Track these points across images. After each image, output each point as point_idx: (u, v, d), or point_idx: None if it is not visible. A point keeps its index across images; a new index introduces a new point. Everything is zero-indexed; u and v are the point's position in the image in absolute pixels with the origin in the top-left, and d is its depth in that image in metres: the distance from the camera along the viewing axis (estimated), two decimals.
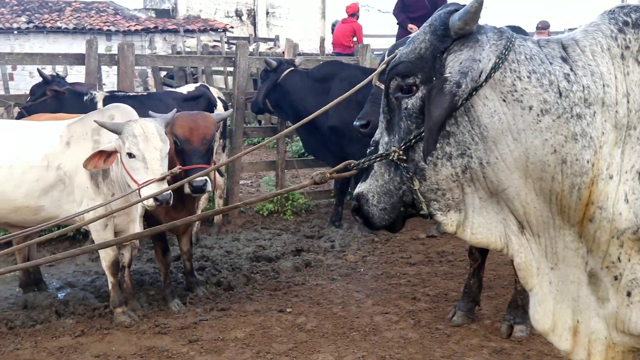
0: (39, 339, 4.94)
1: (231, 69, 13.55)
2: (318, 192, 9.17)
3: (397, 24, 10.02)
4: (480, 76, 2.38)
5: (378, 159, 2.61)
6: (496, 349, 4.72)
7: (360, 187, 2.67)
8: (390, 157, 2.55)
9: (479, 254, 5.08)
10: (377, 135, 2.70)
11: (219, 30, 21.01)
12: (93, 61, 7.12)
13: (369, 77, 4.20)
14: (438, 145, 2.45)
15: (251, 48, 17.03)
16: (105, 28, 19.53)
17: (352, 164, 2.66)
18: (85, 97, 6.69)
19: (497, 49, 2.41)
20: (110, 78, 16.85)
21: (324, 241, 7.48)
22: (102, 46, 19.21)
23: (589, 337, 2.64)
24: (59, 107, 6.57)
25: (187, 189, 4.90)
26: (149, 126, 4.65)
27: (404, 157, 2.51)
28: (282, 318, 5.29)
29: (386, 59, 4.26)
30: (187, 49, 17.41)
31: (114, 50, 15.87)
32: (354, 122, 4.13)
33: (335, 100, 4.07)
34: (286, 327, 5.11)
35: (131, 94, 6.87)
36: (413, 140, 2.50)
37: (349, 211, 8.56)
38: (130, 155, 4.59)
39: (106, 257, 5.17)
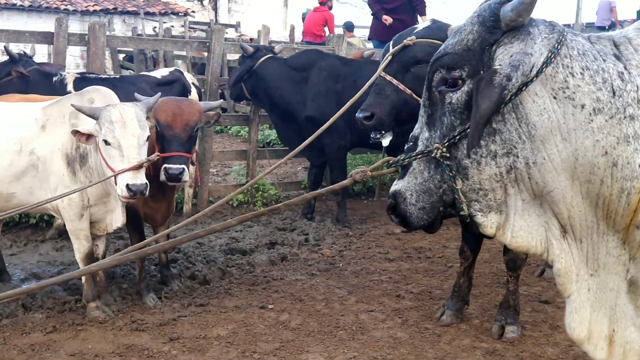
0: (7, 335, 4.63)
1: (197, 54, 13.36)
2: (288, 183, 8.98)
3: (372, 14, 9.86)
4: (531, 71, 2.22)
5: (419, 156, 2.42)
6: (489, 350, 4.60)
7: (398, 185, 2.49)
8: (433, 154, 2.38)
9: (471, 253, 4.96)
10: (416, 131, 2.52)
11: (179, 14, 20.54)
12: (62, 40, 6.77)
13: (379, 69, 4.05)
14: (483, 142, 2.29)
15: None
16: (62, 7, 18.90)
17: (391, 161, 2.48)
18: (54, 78, 6.37)
19: (549, 43, 2.25)
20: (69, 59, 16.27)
21: (297, 234, 7.29)
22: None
23: (624, 347, 2.52)
24: (25, 87, 6.24)
25: (162, 177, 4.67)
26: (128, 111, 4.39)
27: (447, 155, 2.34)
28: (265, 315, 5.08)
29: (391, 49, 4.12)
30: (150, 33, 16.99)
31: (71, 31, 15.38)
32: (357, 114, 3.94)
33: (351, 100, 3.92)
34: (270, 325, 4.91)
35: (103, 76, 6.56)
36: (457, 137, 2.33)
37: (321, 204, 8.48)
38: (106, 142, 4.33)
39: (80, 248, 4.88)
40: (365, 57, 8.27)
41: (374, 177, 2.57)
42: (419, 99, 4.01)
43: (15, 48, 6.78)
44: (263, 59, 7.33)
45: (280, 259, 6.42)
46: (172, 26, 15.98)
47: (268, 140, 10.73)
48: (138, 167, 4.21)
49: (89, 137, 4.42)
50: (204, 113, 4.93)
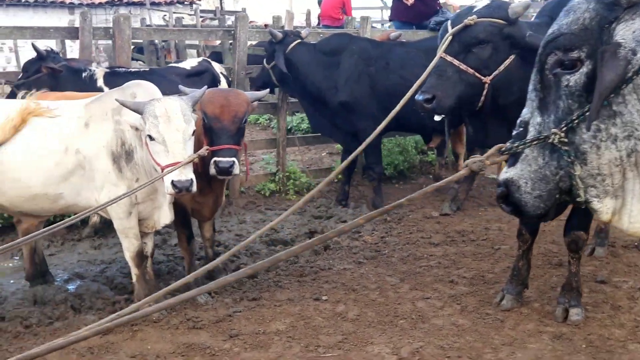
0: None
1: (207, 43, 13.21)
2: (319, 170, 8.84)
3: None
4: None
5: (535, 142, 2.29)
6: (556, 334, 4.48)
7: (509, 173, 2.37)
8: (550, 140, 2.25)
9: (529, 235, 4.83)
10: (525, 115, 2.39)
11: (185, 3, 20.32)
12: (87, 35, 6.61)
13: (440, 50, 3.91)
14: (603, 126, 2.16)
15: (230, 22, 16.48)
16: (67, 1, 18.68)
17: (504, 149, 2.35)
18: (83, 74, 6.24)
19: None
20: (74, 53, 16.13)
21: (334, 222, 7.17)
22: (65, 20, 18.42)
23: None
24: (55, 84, 6.10)
25: (212, 170, 4.54)
26: (173, 105, 4.27)
27: (565, 140, 2.21)
28: (320, 307, 4.97)
29: (450, 29, 3.97)
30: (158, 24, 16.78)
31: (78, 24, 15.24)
32: (417, 96, 3.80)
33: (415, 84, 3.79)
34: (328, 317, 4.80)
35: (132, 69, 6.42)
36: (575, 121, 2.19)
37: (355, 190, 8.36)
38: (151, 137, 4.22)
39: (130, 246, 4.77)
40: (391, 39, 8.11)
41: (492, 164, 2.42)
42: (483, 78, 3.90)
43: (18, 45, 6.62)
44: (293, 44, 7.18)
45: (324, 248, 6.31)
46: (183, 16, 15.76)
47: (289, 127, 10.59)
48: (186, 163, 4.10)
49: (137, 128, 4.35)
50: (250, 103, 4.80)
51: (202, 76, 6.68)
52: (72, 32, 6.75)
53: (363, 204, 7.75)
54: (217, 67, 7.04)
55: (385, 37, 8.14)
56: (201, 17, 15.71)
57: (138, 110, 4.26)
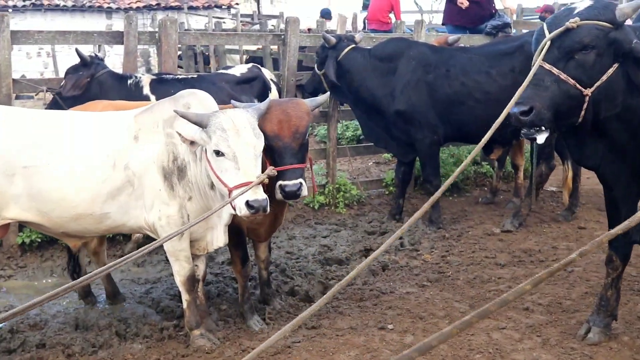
0: None
1: (249, 47, 12.87)
2: (369, 182, 8.42)
3: None
4: None
5: None
6: None
7: None
8: None
9: (620, 262, 4.35)
10: None
11: (223, 7, 19.99)
12: (132, 40, 6.27)
13: (538, 59, 3.46)
14: None
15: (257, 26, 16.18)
16: (105, 5, 18.50)
17: None
18: (129, 81, 5.89)
19: None
20: (111, 58, 15.89)
21: (389, 238, 6.72)
22: (102, 25, 18.21)
23: None
24: (99, 92, 5.78)
25: (278, 195, 4.09)
26: (241, 118, 3.87)
27: None
28: (387, 337, 4.54)
29: (548, 34, 3.53)
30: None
31: (115, 29, 14.99)
32: (513, 109, 3.36)
33: (516, 95, 3.36)
34: (396, 350, 4.36)
35: (180, 76, 6.07)
36: None
37: (409, 204, 7.92)
38: (218, 153, 3.80)
39: (180, 270, 4.38)
40: (449, 43, 7.68)
41: None
42: (583, 90, 3.44)
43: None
44: (347, 49, 6.78)
45: (382, 268, 5.90)
46: (224, 21, 15.44)
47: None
48: (257, 184, 3.69)
49: (192, 142, 3.93)
50: (311, 113, 4.36)
51: (252, 83, 6.32)
52: (116, 37, 6.41)
53: (418, 219, 7.30)
54: (267, 74, 6.66)
55: (442, 42, 7.71)
56: (241, 21, 15.37)
57: (201, 122, 3.86)
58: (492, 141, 7.12)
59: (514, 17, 9.52)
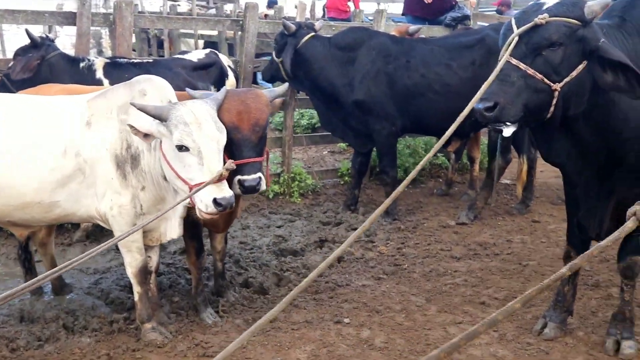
0: None
1: (204, 31, 12.64)
2: (324, 171, 8.34)
3: None
4: None
5: None
6: None
7: None
8: None
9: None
10: None
11: None
12: (86, 21, 6.04)
13: (505, 54, 3.40)
14: None
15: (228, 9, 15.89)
16: None
17: None
18: (81, 64, 5.69)
19: None
20: (61, 39, 15.42)
21: (345, 229, 6.66)
22: (53, 4, 17.62)
23: None
24: (49, 75, 5.56)
25: (237, 189, 3.92)
26: (202, 111, 3.71)
27: None
28: (343, 331, 4.48)
29: (515, 28, 3.47)
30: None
31: (67, 9, 14.53)
32: (477, 105, 3.29)
33: (480, 91, 3.28)
34: (353, 344, 4.31)
35: (135, 60, 5.87)
36: None
37: (364, 195, 7.86)
38: (181, 148, 3.63)
39: (132, 261, 4.23)
40: (410, 33, 7.62)
41: None
42: (552, 85, 3.40)
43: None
44: (306, 37, 6.65)
45: (337, 260, 5.81)
46: (179, 3, 15.12)
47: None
48: (218, 180, 3.55)
49: (146, 135, 3.75)
50: (270, 105, 4.22)
51: (209, 69, 6.16)
52: (69, 18, 6.16)
53: (373, 209, 7.25)
54: (225, 60, 6.51)
55: (403, 31, 7.64)
56: (196, 4, 15.08)
57: (161, 115, 3.68)
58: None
59: (473, 10, 9.52)
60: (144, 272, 4.27)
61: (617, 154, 3.78)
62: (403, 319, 4.68)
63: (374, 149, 7.17)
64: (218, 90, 6.12)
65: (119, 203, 4.03)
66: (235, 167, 3.66)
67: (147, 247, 4.34)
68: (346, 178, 8.17)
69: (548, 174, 8.70)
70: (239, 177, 3.87)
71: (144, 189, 4.07)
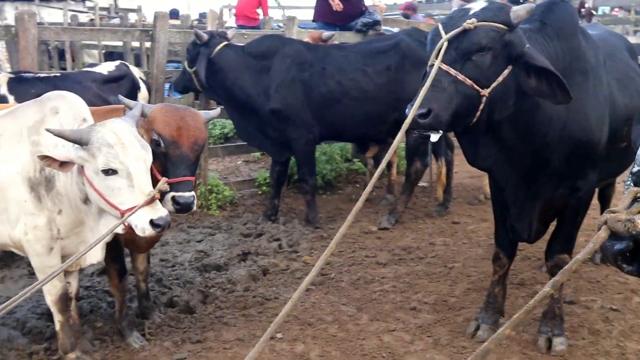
0: None
1: (107, 42, 12.25)
2: (242, 182, 8.20)
3: None
4: None
5: None
6: None
7: None
8: None
9: (507, 260, 4.40)
10: None
11: None
12: None
13: (437, 61, 3.36)
14: None
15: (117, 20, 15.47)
16: None
17: None
18: None
19: None
20: None
21: (267, 240, 6.55)
22: None
23: None
24: None
25: (170, 207, 3.74)
26: (124, 130, 3.48)
27: None
28: (276, 347, 4.36)
29: (444, 33, 3.46)
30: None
31: None
32: (407, 111, 3.25)
33: (419, 98, 3.22)
34: None
35: (41, 75, 5.56)
36: None
37: (283, 204, 7.76)
38: (108, 172, 3.40)
39: (52, 289, 3.98)
40: (324, 39, 7.58)
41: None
42: (481, 90, 3.40)
43: None
44: (220, 46, 6.51)
45: (262, 273, 5.70)
46: (75, 14, 14.53)
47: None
48: (151, 202, 3.37)
49: (64, 163, 3.49)
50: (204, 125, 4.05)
51: (120, 82, 5.91)
52: None
53: (294, 219, 7.18)
54: (136, 72, 6.28)
55: (316, 37, 7.59)
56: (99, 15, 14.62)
57: (81, 140, 3.41)
58: (368, 139, 7.14)
59: (384, 15, 9.59)
60: (64, 300, 4.03)
61: (542, 157, 3.84)
62: (336, 330, 4.61)
63: (292, 157, 7.09)
64: None
65: (34, 227, 3.78)
66: (168, 188, 3.50)
67: (66, 273, 4.10)
68: (264, 188, 8.06)
69: (462, 175, 8.86)
70: (173, 194, 3.70)
71: (60, 213, 3.83)
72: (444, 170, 7.20)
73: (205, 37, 6.48)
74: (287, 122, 6.60)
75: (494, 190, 4.25)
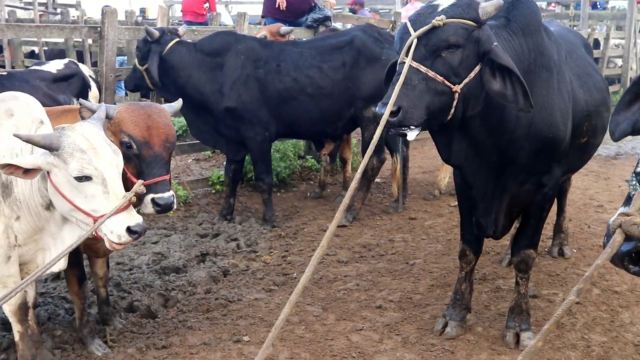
0: None
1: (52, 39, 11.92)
2: (195, 181, 8.06)
3: None
4: None
5: None
6: None
7: None
8: None
9: (474, 256, 4.41)
10: None
11: None
12: None
13: (408, 58, 3.32)
14: None
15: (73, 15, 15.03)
16: None
17: None
18: None
19: None
20: None
21: (224, 240, 6.44)
22: None
23: None
24: None
25: (149, 209, 3.66)
26: (94, 134, 3.33)
27: None
28: (245, 351, 4.29)
29: (412, 31, 3.43)
30: None
31: None
32: (380, 110, 3.20)
33: (392, 98, 3.18)
34: None
35: None
36: None
37: (238, 203, 7.65)
38: (82, 178, 3.24)
39: (10, 299, 3.82)
40: (282, 34, 7.50)
41: None
42: (453, 86, 3.39)
43: None
44: (171, 43, 6.37)
45: (222, 274, 5.61)
46: (12, 10, 14.03)
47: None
48: (127, 206, 3.24)
49: (28, 170, 3.32)
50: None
51: (70, 81, 5.71)
52: None
53: (250, 217, 7.09)
54: (86, 70, 6.08)
55: (274, 31, 7.50)
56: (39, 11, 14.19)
57: (51, 145, 3.23)
58: (324, 136, 7.09)
59: (333, 10, 9.55)
60: (23, 309, 3.87)
61: (510, 153, 3.85)
62: (303, 331, 4.56)
63: (247, 155, 7.01)
64: None
65: None
66: (144, 190, 3.39)
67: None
68: (217, 187, 7.95)
69: (415, 170, 8.91)
70: (152, 195, 3.58)
71: (18, 219, 3.66)
72: (399, 166, 7.21)
73: (157, 34, 6.33)
74: (243, 121, 6.51)
75: (461, 187, 4.24)
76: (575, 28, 18.23)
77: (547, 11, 20.62)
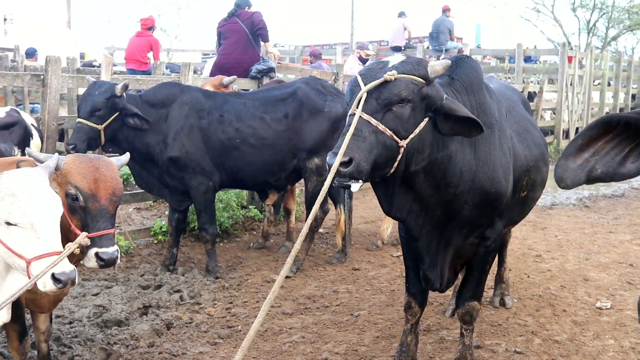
0: None
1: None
2: (137, 231, 7.95)
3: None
4: None
5: None
6: None
7: None
8: None
9: (419, 308, 4.46)
10: None
11: None
12: None
13: (358, 110, 3.40)
14: None
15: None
16: None
17: None
18: None
19: None
20: None
21: (167, 292, 6.35)
22: None
23: None
24: None
25: (92, 263, 3.60)
26: (32, 180, 3.30)
27: None
28: None
29: (363, 85, 3.51)
30: None
31: None
32: (331, 160, 3.24)
33: (342, 149, 3.23)
34: None
35: None
36: None
37: (181, 254, 7.57)
38: (9, 223, 3.20)
39: None
40: (225, 84, 7.55)
41: None
42: (400, 141, 3.47)
43: None
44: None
45: (166, 327, 5.52)
46: None
47: None
48: (65, 255, 3.18)
49: None
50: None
51: (11, 129, 5.65)
52: None
53: (193, 268, 7.03)
54: (28, 118, 6.00)
55: (217, 83, 7.54)
56: None
57: None
58: (268, 186, 7.12)
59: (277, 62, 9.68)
60: None
61: (454, 207, 3.94)
62: None
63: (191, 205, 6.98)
64: (22, 152, 5.65)
65: None
66: (89, 242, 3.34)
67: None
68: (160, 237, 7.86)
69: (357, 220, 8.98)
70: (96, 249, 3.53)
71: None
72: (343, 217, 7.27)
73: (120, 89, 6.14)
74: (186, 170, 6.50)
75: (405, 240, 4.31)
76: (509, 81, 18.86)
77: (483, 64, 21.23)
